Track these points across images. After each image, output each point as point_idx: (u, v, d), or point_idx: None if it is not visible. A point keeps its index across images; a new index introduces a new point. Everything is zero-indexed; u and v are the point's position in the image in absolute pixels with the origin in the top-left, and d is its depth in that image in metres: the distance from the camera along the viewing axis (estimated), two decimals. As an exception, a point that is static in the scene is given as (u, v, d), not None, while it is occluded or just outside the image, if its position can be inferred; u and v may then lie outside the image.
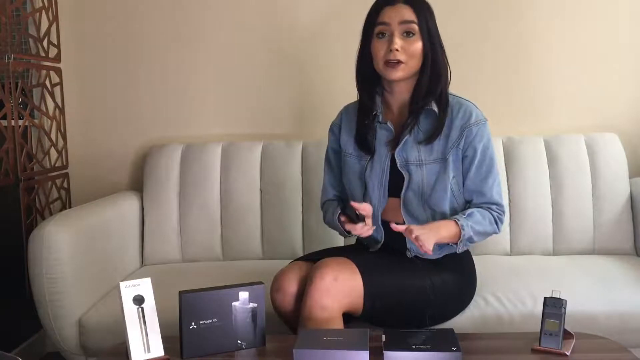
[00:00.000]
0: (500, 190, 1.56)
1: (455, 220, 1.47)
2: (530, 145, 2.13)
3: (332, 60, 2.28)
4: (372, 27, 1.53)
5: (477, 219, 1.50)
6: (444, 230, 1.46)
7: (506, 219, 2.05)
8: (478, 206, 1.54)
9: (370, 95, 1.59)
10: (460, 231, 1.46)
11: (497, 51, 2.27)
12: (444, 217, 1.54)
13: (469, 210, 1.51)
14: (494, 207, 1.54)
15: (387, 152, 1.56)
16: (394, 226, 1.41)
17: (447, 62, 1.56)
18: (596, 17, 2.23)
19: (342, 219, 1.53)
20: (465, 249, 1.52)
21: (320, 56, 2.30)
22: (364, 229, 1.46)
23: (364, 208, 1.45)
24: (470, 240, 1.49)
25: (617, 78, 2.25)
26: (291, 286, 1.50)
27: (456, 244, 1.49)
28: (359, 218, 1.46)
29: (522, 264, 1.95)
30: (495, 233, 1.56)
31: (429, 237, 1.38)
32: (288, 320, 1.53)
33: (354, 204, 1.44)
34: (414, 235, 1.37)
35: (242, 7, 2.31)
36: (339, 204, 1.64)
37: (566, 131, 2.21)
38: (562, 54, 2.26)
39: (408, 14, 1.49)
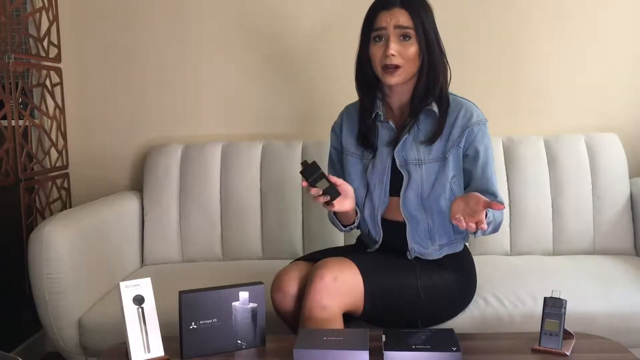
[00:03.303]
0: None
1: None
2: (530, 145, 2.13)
3: (332, 60, 2.28)
4: (368, 31, 1.53)
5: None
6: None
7: (506, 219, 2.07)
8: None
9: (370, 97, 1.59)
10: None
11: (497, 51, 2.27)
12: (441, 216, 1.53)
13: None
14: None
15: (389, 151, 1.57)
16: (457, 221, 1.29)
17: (447, 62, 1.56)
18: (596, 17, 2.23)
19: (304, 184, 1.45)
20: (480, 235, 1.41)
21: (320, 56, 2.30)
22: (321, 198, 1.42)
23: (342, 185, 1.46)
24: (491, 227, 1.42)
25: (617, 78, 2.25)
26: (291, 286, 1.50)
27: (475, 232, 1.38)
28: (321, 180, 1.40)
29: (522, 264, 1.95)
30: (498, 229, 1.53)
31: (478, 212, 1.29)
32: (288, 320, 1.53)
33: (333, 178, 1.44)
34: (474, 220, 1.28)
35: (241, 7, 2.31)
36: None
37: (566, 131, 2.21)
38: (562, 53, 2.26)
39: (403, 18, 1.48)
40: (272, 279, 1.55)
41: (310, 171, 1.41)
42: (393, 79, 1.50)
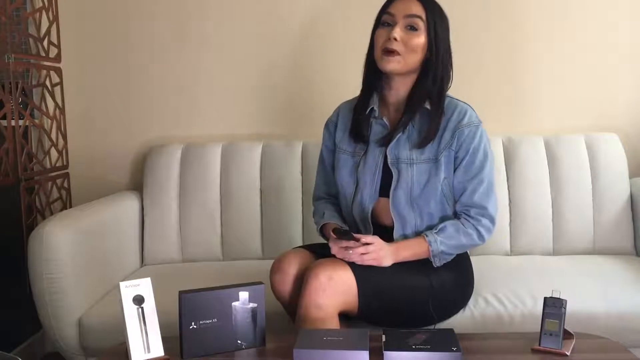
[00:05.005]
0: (490, 195, 1.53)
1: (424, 236, 1.50)
2: (530, 145, 2.13)
3: (331, 60, 2.28)
4: (380, 16, 1.54)
5: (449, 233, 1.50)
6: (406, 252, 1.49)
7: (506, 219, 2.07)
8: (461, 208, 1.54)
9: (370, 88, 1.59)
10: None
11: (497, 51, 2.27)
12: (431, 217, 1.54)
13: (442, 225, 1.52)
14: (472, 210, 1.52)
15: (381, 149, 1.57)
16: (358, 236, 1.45)
17: (452, 67, 1.56)
18: (596, 17, 2.23)
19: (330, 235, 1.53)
20: (443, 262, 1.53)
21: (320, 56, 2.30)
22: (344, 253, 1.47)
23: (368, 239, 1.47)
24: (445, 254, 1.51)
25: (617, 78, 2.25)
26: (291, 267, 1.50)
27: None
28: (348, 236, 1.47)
29: (522, 264, 1.95)
30: (477, 244, 1.54)
31: (385, 256, 1.46)
32: (285, 304, 1.54)
33: (359, 236, 1.46)
34: (366, 255, 1.44)
35: (242, 7, 2.31)
36: (325, 213, 1.66)
37: (566, 131, 2.21)
38: (562, 53, 2.25)
39: (416, 8, 1.49)
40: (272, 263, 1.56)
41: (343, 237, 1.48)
42: (389, 65, 1.50)
